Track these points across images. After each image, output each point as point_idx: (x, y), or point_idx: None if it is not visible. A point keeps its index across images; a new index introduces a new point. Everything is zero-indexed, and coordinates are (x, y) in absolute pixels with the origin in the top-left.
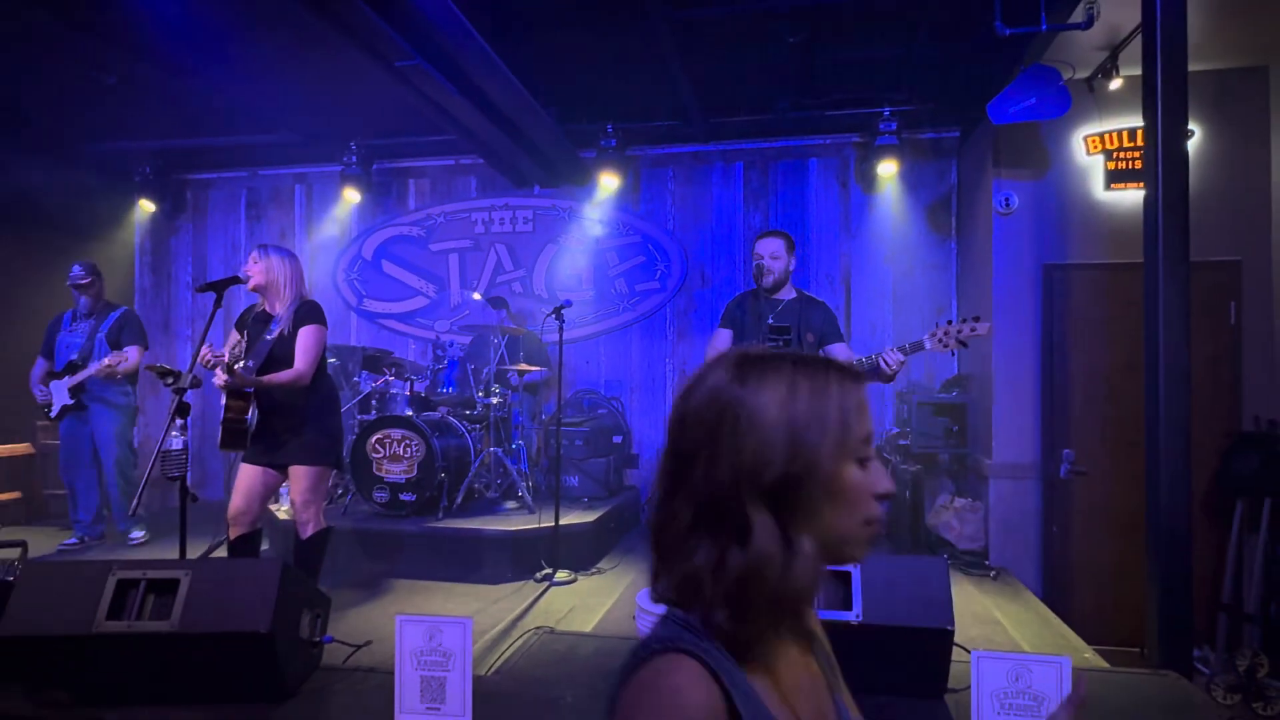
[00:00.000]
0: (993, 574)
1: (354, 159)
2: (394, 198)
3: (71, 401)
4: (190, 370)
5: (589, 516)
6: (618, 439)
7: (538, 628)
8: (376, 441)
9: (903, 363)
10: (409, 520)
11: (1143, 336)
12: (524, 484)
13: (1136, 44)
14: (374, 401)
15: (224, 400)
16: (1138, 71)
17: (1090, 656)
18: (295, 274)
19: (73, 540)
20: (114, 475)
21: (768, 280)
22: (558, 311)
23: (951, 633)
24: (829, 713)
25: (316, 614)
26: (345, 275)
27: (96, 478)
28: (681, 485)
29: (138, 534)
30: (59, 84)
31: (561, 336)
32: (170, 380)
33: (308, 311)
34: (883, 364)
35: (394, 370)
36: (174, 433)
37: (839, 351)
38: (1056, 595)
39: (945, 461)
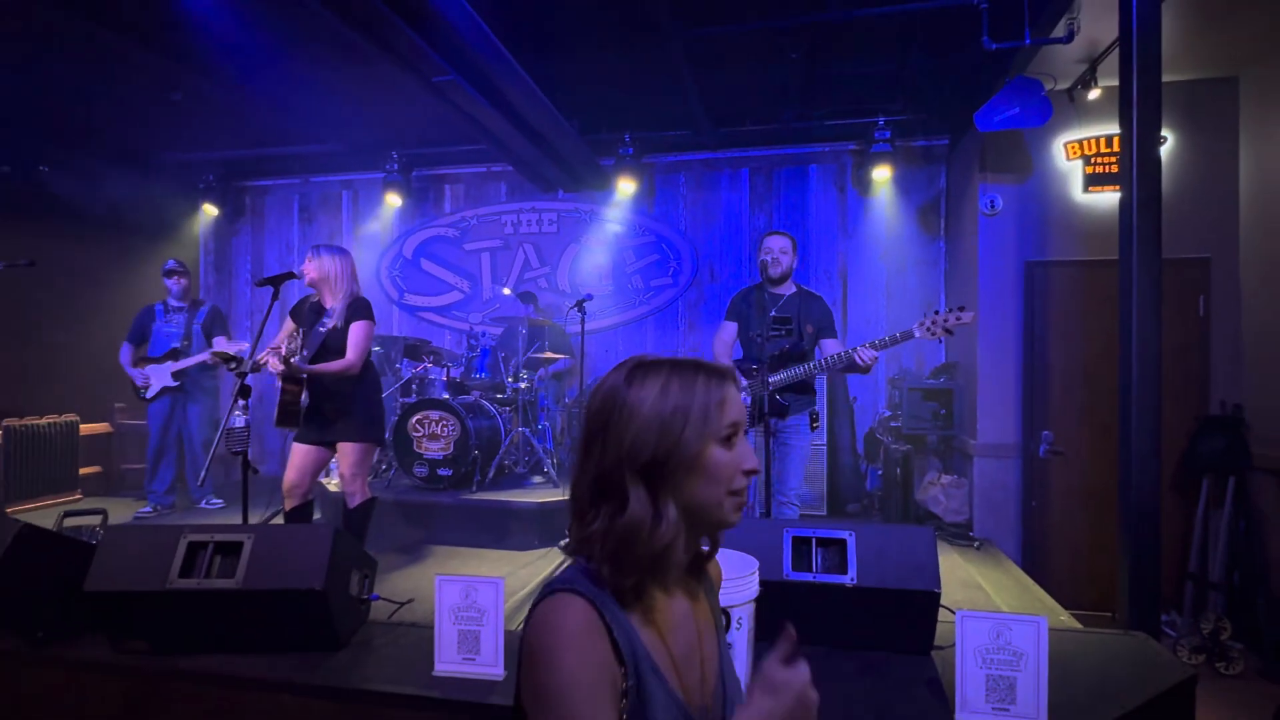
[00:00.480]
0: (976, 544)
1: (395, 167)
2: (431, 202)
3: (175, 384)
4: (251, 356)
5: None
6: None
7: None
8: (416, 422)
9: (875, 358)
10: (445, 493)
11: (1117, 327)
12: (549, 461)
13: (1114, 57)
14: (414, 386)
15: (280, 383)
16: (1115, 82)
17: (1065, 618)
18: (347, 270)
19: (147, 509)
20: (200, 452)
21: (775, 272)
22: (580, 305)
23: (938, 595)
24: (706, 648)
25: (364, 574)
26: (388, 272)
27: (177, 455)
28: (585, 465)
29: (217, 501)
30: (131, 101)
31: (583, 327)
32: (233, 365)
33: (359, 308)
34: (857, 359)
35: (432, 358)
36: (236, 412)
37: (831, 346)
38: (1035, 564)
39: (933, 442)
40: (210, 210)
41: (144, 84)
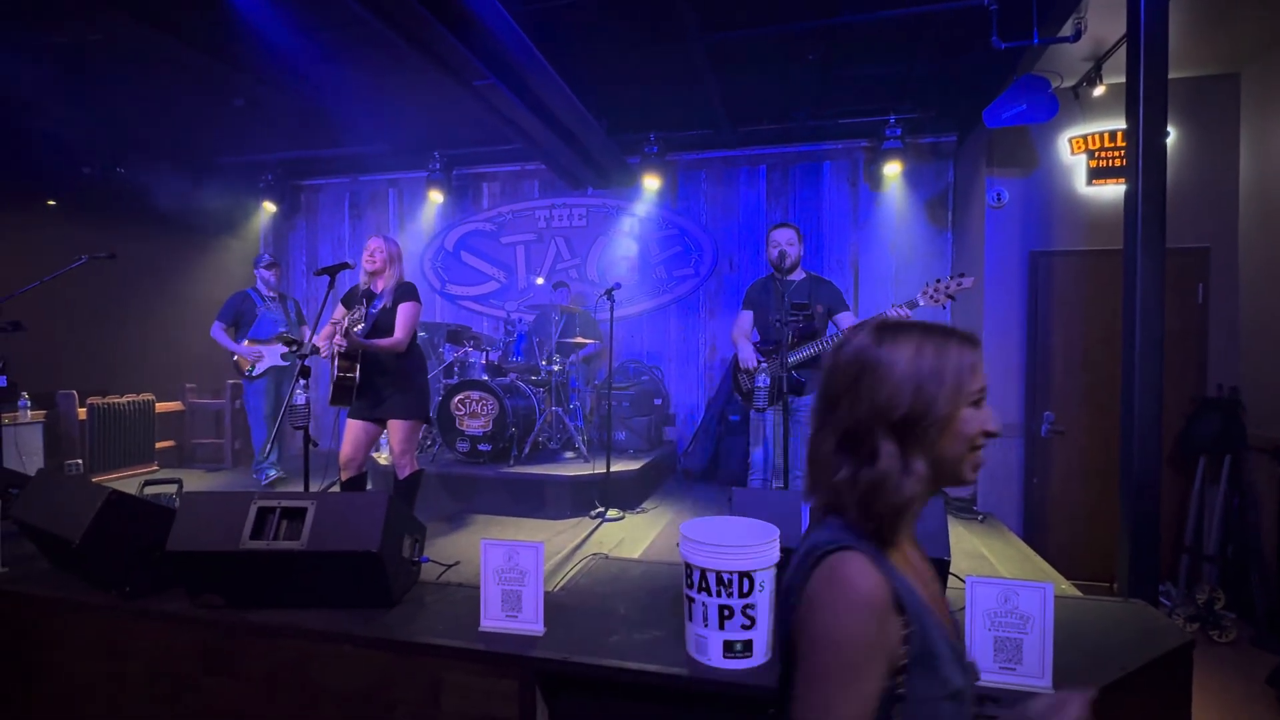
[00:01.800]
0: (980, 518)
1: (438, 166)
2: (470, 198)
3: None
4: (311, 339)
5: (634, 465)
6: (658, 401)
7: (594, 554)
8: (459, 401)
9: (908, 317)
10: (485, 466)
11: (1117, 314)
12: (580, 438)
13: (1119, 54)
14: (455, 368)
15: (335, 361)
16: (1120, 79)
17: (1066, 587)
18: (398, 258)
19: (267, 479)
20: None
21: (786, 262)
22: (609, 293)
23: (948, 562)
24: (939, 593)
25: (415, 539)
26: (431, 264)
27: (267, 430)
28: (829, 419)
29: (271, 473)
30: (198, 108)
31: (612, 314)
32: (295, 348)
33: (406, 291)
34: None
35: (472, 343)
36: (298, 391)
37: (846, 319)
38: (1036, 537)
39: None
40: (269, 207)
41: (210, 92)
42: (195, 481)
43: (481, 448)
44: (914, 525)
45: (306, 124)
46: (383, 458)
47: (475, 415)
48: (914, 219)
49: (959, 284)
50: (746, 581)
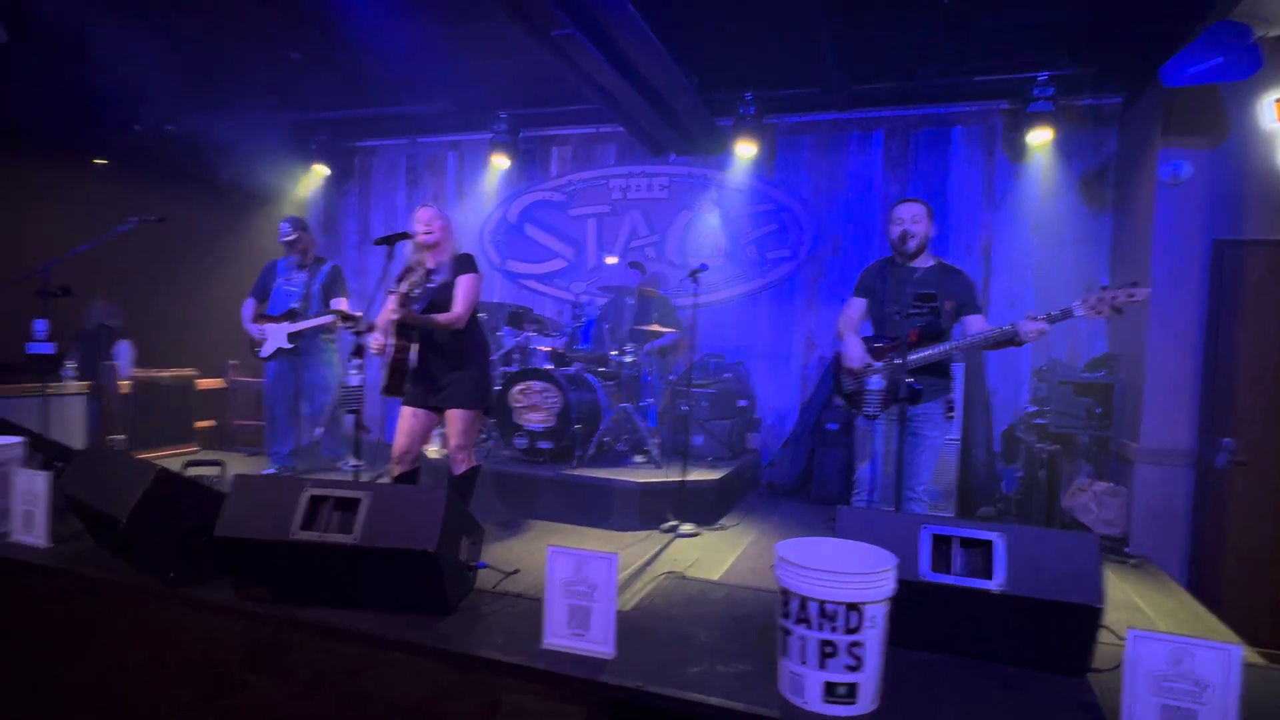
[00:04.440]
0: (1133, 562)
1: (503, 127)
2: (538, 164)
3: (290, 346)
4: (367, 314)
5: (713, 475)
6: (742, 403)
7: (668, 572)
8: (519, 392)
9: (1043, 331)
10: (545, 467)
11: None
12: (652, 440)
13: None
14: (515, 355)
15: (390, 340)
16: None
17: (1248, 653)
18: (452, 230)
19: (271, 470)
20: (322, 419)
21: (911, 245)
22: (694, 274)
23: (1100, 610)
24: None
25: (472, 541)
26: (491, 237)
27: (296, 417)
28: None
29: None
30: (252, 60)
31: (696, 299)
32: (351, 325)
33: (465, 262)
34: (1021, 331)
35: (535, 327)
36: (352, 371)
37: (976, 323)
38: (1204, 589)
39: (1085, 443)
40: (320, 171)
41: (264, 43)
42: (235, 466)
43: (541, 445)
44: None
45: (363, 78)
46: (432, 450)
47: (536, 409)
48: (1064, 197)
49: (1130, 295)
50: (855, 615)
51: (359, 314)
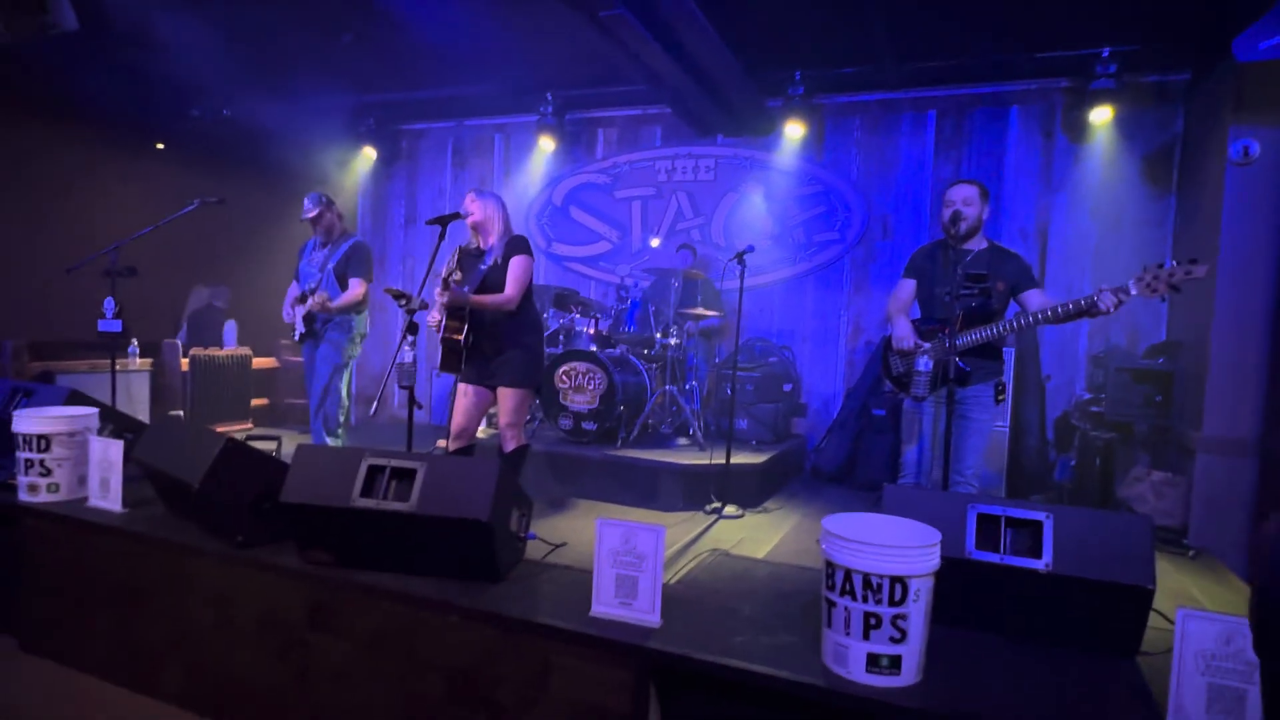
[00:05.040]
0: (1191, 553)
1: (549, 109)
2: (583, 147)
3: (304, 329)
4: (419, 293)
5: (757, 458)
6: (787, 387)
7: (713, 549)
8: (564, 373)
9: (1121, 302)
10: (590, 447)
11: None
12: (696, 422)
13: None
14: (560, 337)
15: (443, 320)
16: None
17: None
18: (503, 212)
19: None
20: (320, 398)
21: (961, 226)
22: (740, 257)
23: (1152, 591)
24: None
25: (522, 513)
26: (536, 220)
27: (314, 401)
28: None
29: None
30: (307, 45)
31: (742, 282)
32: (403, 302)
33: (518, 244)
34: (1100, 303)
35: (580, 309)
36: (405, 348)
37: (1035, 298)
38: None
39: (1143, 432)
40: (370, 154)
41: (319, 27)
42: (289, 443)
43: (586, 426)
44: None
45: (413, 62)
46: (480, 431)
47: (581, 390)
48: (1125, 178)
49: (1188, 272)
50: (899, 587)
51: (409, 292)
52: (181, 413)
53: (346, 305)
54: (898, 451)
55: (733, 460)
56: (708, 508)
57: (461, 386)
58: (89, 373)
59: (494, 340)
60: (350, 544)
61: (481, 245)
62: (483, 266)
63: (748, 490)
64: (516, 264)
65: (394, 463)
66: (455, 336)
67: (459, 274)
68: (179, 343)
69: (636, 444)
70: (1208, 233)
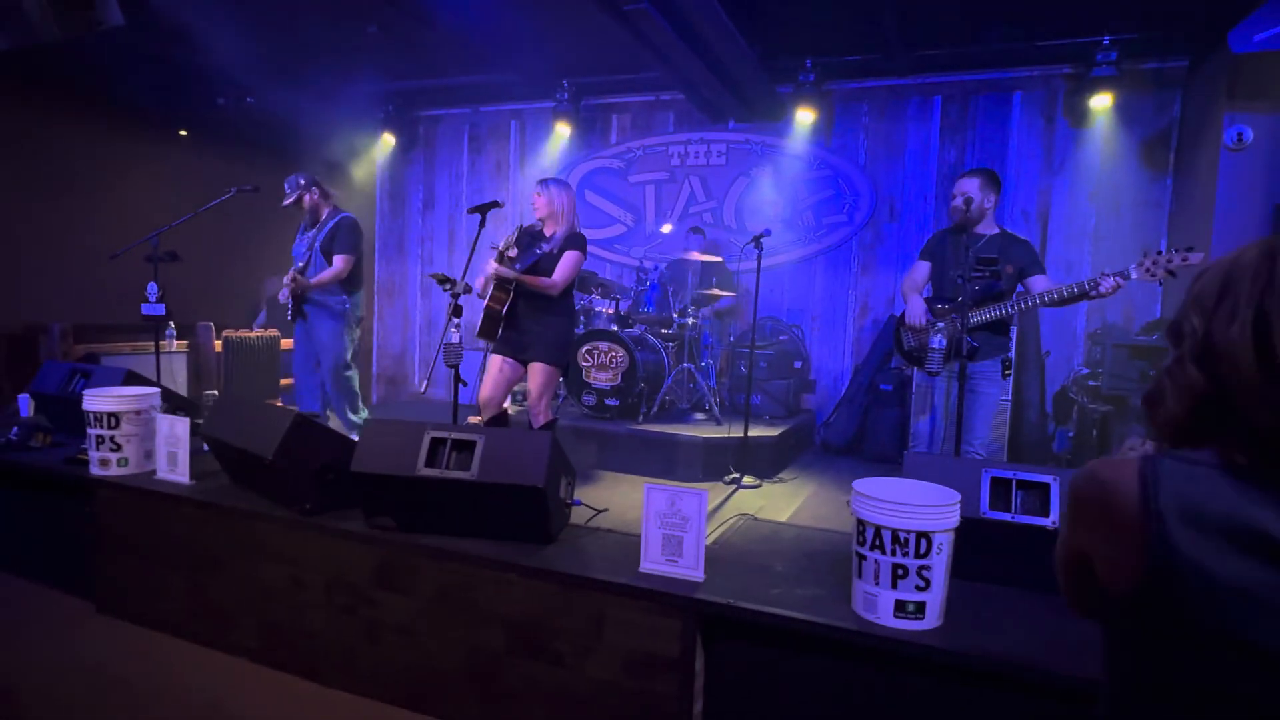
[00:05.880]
0: None
1: (565, 96)
2: (598, 132)
3: (293, 308)
4: (463, 277)
5: (772, 432)
6: (798, 364)
7: (741, 514)
8: (586, 352)
9: (1119, 286)
10: (613, 422)
11: None
12: (712, 398)
13: None
14: (581, 317)
15: (490, 290)
16: None
17: None
18: (570, 202)
19: None
20: (329, 378)
21: (972, 211)
22: (757, 240)
23: None
24: None
25: (568, 481)
26: None
27: (318, 381)
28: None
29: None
30: (330, 34)
31: (759, 264)
32: (447, 286)
33: (576, 240)
34: (1104, 286)
35: (599, 290)
36: (452, 329)
37: (1040, 282)
38: None
39: (1137, 405)
40: (389, 140)
41: (343, 17)
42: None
43: (609, 402)
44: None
45: (434, 50)
46: (509, 406)
47: (604, 368)
48: (1124, 162)
49: (1184, 258)
50: (924, 542)
51: (453, 277)
52: (217, 392)
53: (327, 281)
54: (904, 425)
55: (750, 433)
56: (726, 478)
57: (493, 359)
58: (131, 354)
59: (531, 319)
60: (413, 510)
61: (545, 231)
62: (538, 250)
63: (764, 462)
64: (570, 257)
65: (455, 435)
66: (497, 306)
67: (515, 250)
68: (211, 325)
69: (656, 419)
70: (1202, 215)
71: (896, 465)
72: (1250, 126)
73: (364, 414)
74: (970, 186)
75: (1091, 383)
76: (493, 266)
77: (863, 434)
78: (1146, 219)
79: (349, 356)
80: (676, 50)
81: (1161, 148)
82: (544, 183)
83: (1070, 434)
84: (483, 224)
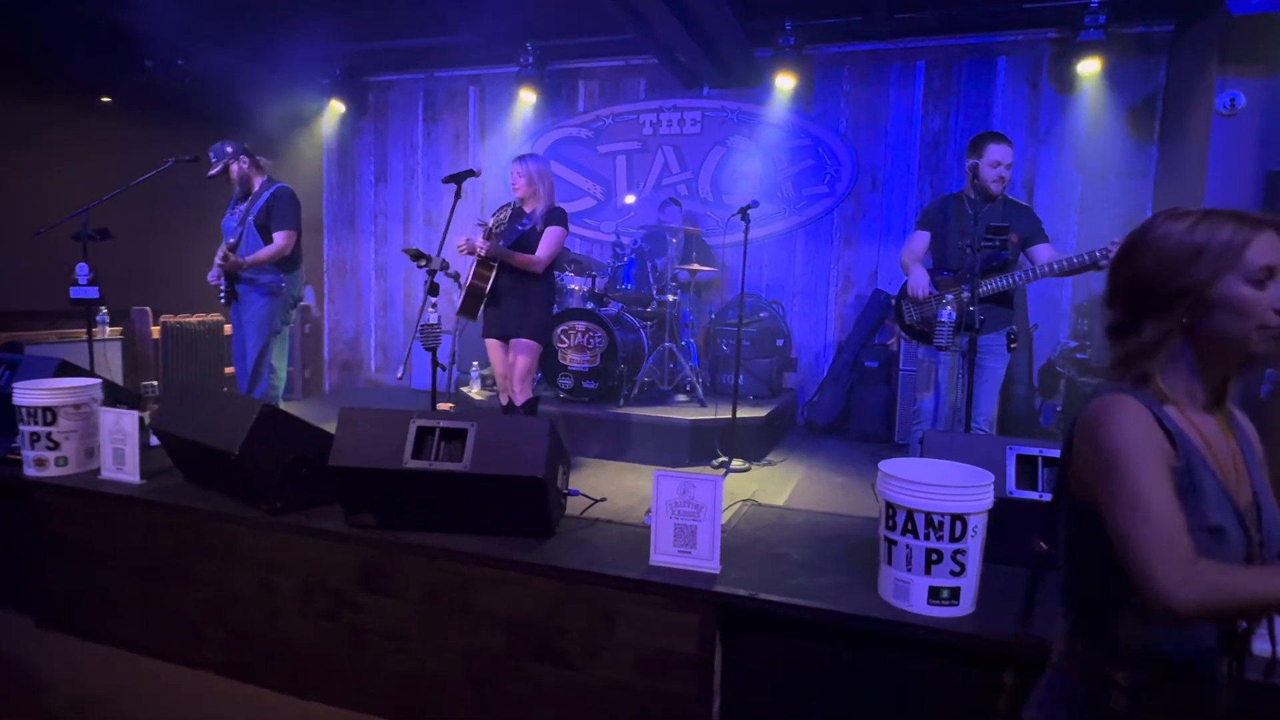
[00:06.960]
0: None
1: (530, 60)
2: (564, 100)
3: (226, 290)
4: (439, 254)
5: (758, 412)
6: (780, 342)
7: (746, 500)
8: (562, 332)
9: (1108, 251)
10: (591, 406)
11: None
12: (695, 379)
13: None
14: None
15: (473, 268)
16: None
17: None
18: (549, 179)
19: None
20: (252, 364)
21: (999, 188)
22: (744, 212)
23: None
24: (1239, 465)
25: (565, 469)
26: None
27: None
28: (1110, 294)
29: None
30: None
31: (746, 237)
32: (422, 263)
33: (557, 215)
34: (1106, 260)
35: (573, 267)
36: (429, 309)
37: (1044, 252)
38: None
39: None
40: (337, 107)
41: None
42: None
43: (586, 385)
44: (1205, 398)
45: (384, 7)
46: (475, 393)
47: (581, 349)
48: (1110, 129)
49: None
50: (959, 525)
51: (429, 253)
52: (155, 383)
53: (265, 259)
54: (891, 403)
55: (737, 415)
56: (714, 462)
57: (490, 343)
58: (59, 342)
59: (512, 297)
60: (399, 506)
61: (524, 209)
62: (520, 227)
63: (751, 444)
64: (552, 233)
65: (443, 423)
66: (480, 284)
67: (502, 229)
68: (147, 310)
69: (636, 402)
70: (1192, 183)
71: (884, 444)
72: (1242, 91)
73: None
74: (1009, 154)
75: (1079, 355)
76: (482, 244)
77: (848, 413)
78: (1132, 187)
79: (276, 345)
80: (652, 7)
81: (1147, 115)
82: (522, 159)
83: (1058, 408)
84: (458, 195)
